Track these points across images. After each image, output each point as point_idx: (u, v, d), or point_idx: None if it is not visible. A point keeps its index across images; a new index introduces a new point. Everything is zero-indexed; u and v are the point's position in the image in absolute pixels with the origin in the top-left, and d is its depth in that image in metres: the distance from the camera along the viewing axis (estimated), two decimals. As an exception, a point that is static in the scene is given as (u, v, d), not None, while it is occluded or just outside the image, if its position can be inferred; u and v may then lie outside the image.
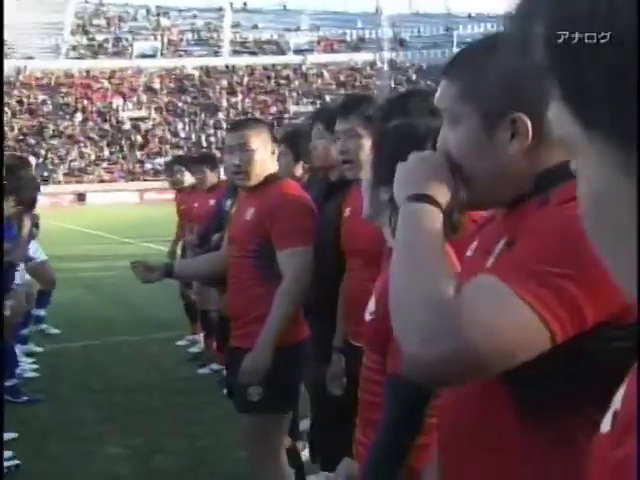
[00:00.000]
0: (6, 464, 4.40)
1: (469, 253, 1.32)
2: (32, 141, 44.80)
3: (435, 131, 1.31)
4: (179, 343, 7.50)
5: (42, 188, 6.84)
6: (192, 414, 5.32)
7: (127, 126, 48.52)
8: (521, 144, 1.17)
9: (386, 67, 54.37)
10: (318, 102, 49.63)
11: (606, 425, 0.79)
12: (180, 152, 32.66)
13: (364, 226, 2.71)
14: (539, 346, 1.03)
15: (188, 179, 7.01)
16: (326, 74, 53.71)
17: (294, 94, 51.89)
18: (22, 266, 5.56)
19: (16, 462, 4.44)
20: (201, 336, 7.14)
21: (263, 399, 2.98)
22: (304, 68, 54.11)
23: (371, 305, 1.80)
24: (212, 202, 6.09)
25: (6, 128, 45.88)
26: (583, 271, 1.01)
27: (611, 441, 0.78)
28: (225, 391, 4.40)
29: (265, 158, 3.12)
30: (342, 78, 53.37)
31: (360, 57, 54.95)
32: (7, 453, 4.59)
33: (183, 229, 7.33)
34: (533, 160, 1.17)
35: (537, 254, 1.06)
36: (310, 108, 49.88)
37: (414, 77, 51.61)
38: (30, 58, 53.10)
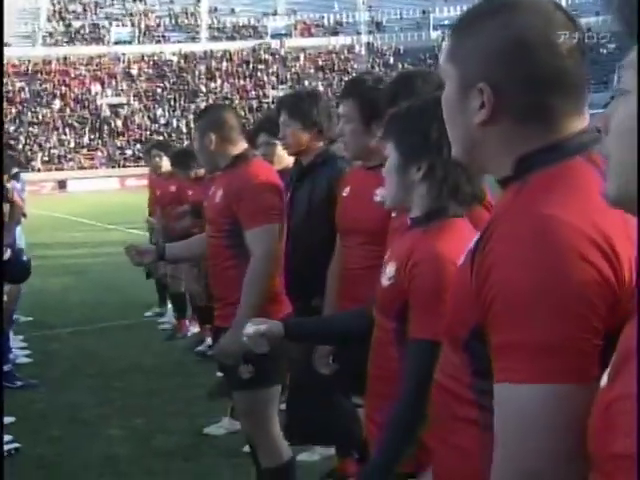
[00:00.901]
0: (6, 447, 4.41)
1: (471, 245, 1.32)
2: (11, 128, 44.24)
3: None
4: (162, 327, 7.66)
5: (21, 176, 6.82)
6: (190, 393, 5.35)
7: (106, 113, 48.08)
8: (486, 116, 1.15)
9: (364, 50, 54.22)
10: (297, 86, 49.44)
11: (604, 380, 0.86)
12: (160, 138, 32.44)
13: (364, 205, 2.76)
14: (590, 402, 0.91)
15: (166, 164, 7.01)
16: (304, 58, 53.48)
17: (273, 78, 51.63)
18: (9, 251, 5.52)
19: (16, 445, 4.45)
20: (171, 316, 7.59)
21: (254, 376, 3.03)
22: (282, 52, 53.82)
23: (390, 270, 1.79)
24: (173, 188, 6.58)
25: (-16, 116, 45.21)
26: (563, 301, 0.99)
27: (606, 389, 0.84)
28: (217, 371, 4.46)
29: (211, 142, 3.14)
30: (320, 62, 53.16)
31: (338, 41, 54.73)
32: (6, 437, 4.60)
33: (154, 214, 7.32)
34: (509, 141, 1.15)
35: (515, 302, 1.01)
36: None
37: (392, 60, 51.54)
38: (6, 45, 52.29)
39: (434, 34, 52.94)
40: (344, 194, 2.96)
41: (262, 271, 2.98)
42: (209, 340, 6.66)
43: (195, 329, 7.18)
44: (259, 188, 3.05)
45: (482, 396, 1.13)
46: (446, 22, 52.59)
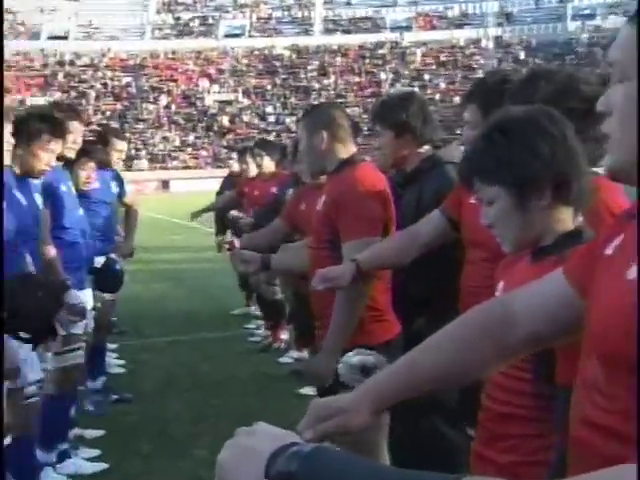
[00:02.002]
0: (94, 467, 4.53)
1: (609, 251, 1.21)
2: (116, 125, 46.25)
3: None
4: (252, 339, 7.83)
5: (125, 175, 7.07)
6: (290, 416, 5.33)
7: (213, 110, 49.45)
8: None
9: (491, 45, 53.37)
10: (416, 84, 49.25)
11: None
12: (270, 137, 33.02)
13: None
14: None
15: (267, 164, 7.15)
16: (425, 53, 53.20)
17: (390, 75, 51.63)
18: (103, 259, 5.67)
19: (104, 466, 4.56)
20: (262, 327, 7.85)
21: None
22: (401, 47, 53.74)
23: None
24: (274, 189, 6.60)
25: (90, 112, 47.51)
26: None
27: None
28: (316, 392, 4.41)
29: (322, 140, 3.08)
30: (442, 57, 52.73)
31: (463, 34, 54.14)
32: (94, 451, 4.75)
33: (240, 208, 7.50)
34: None
35: None
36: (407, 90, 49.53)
37: (522, 55, 50.48)
38: (115, 39, 54.78)
39: (572, 25, 51.46)
40: (472, 201, 2.85)
41: (358, 289, 2.91)
42: (294, 353, 6.76)
43: (285, 336, 7.30)
44: (362, 196, 2.99)
45: None
46: (587, 12, 51.09)
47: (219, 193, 9.00)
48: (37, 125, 3.85)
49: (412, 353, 1.63)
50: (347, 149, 3.14)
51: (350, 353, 2.01)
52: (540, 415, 1.68)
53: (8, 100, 45.30)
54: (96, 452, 4.74)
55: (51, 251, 4.14)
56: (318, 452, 0.94)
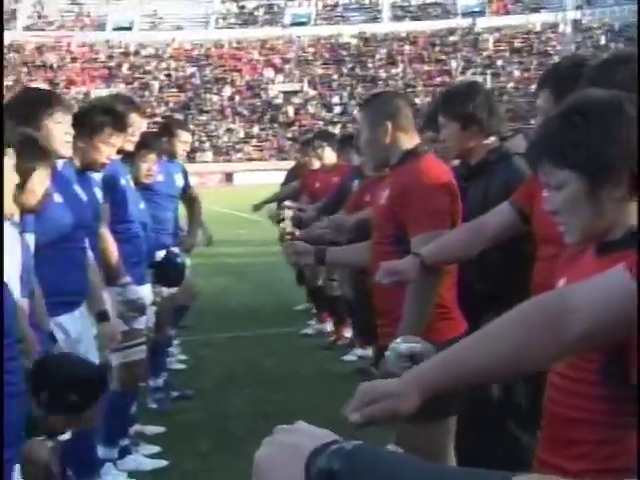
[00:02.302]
0: (153, 463, 4.62)
1: None
2: (180, 117, 46.93)
3: None
4: (304, 331, 7.94)
5: (189, 167, 7.16)
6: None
7: (278, 100, 49.71)
8: None
9: (569, 29, 52.26)
10: (489, 72, 48.63)
11: None
12: (335, 129, 33.06)
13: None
14: None
15: (329, 155, 7.18)
16: (498, 39, 52.41)
17: (462, 63, 51.05)
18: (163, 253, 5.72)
19: (164, 463, 4.65)
20: (328, 325, 7.86)
21: (426, 406, 2.91)
22: (473, 33, 53.07)
23: None
24: (335, 181, 6.62)
25: (154, 103, 48.30)
26: None
27: None
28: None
29: (386, 132, 3.05)
30: (517, 43, 51.87)
31: (539, 18, 53.14)
32: (154, 448, 4.84)
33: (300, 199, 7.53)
34: None
35: None
36: (479, 79, 48.93)
37: (603, 40, 49.29)
38: (179, 29, 55.53)
39: (657, 8, 50.03)
40: (546, 193, 2.80)
41: (427, 284, 2.89)
42: (358, 351, 6.78)
43: (349, 334, 7.32)
44: (428, 188, 2.96)
45: None
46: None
47: (284, 184, 9.05)
48: (100, 118, 3.93)
49: (465, 343, 1.62)
50: (411, 140, 3.11)
51: (397, 340, 2.00)
52: (610, 420, 1.63)
53: (73, 92, 46.34)
54: (156, 449, 4.83)
55: (111, 246, 4.22)
56: (361, 450, 0.93)
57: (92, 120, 3.89)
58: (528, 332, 1.48)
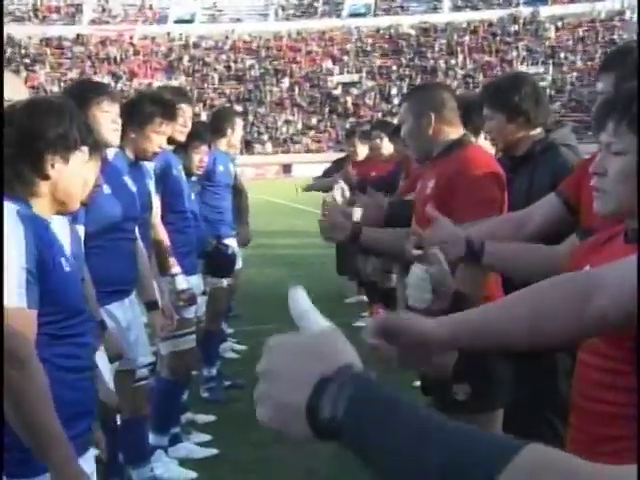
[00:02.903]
0: (203, 452, 4.67)
1: None
2: (239, 108, 47.28)
3: None
4: (357, 323, 7.81)
5: (247, 158, 7.21)
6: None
7: (336, 92, 49.66)
8: None
9: (636, 16, 51.03)
10: (551, 62, 47.79)
11: None
12: (394, 120, 32.87)
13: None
14: None
15: (386, 146, 7.13)
16: (561, 28, 51.44)
17: (523, 53, 50.27)
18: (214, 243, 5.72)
19: (214, 451, 4.70)
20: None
21: (471, 397, 2.87)
22: (535, 21, 52.18)
23: None
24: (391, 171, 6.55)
25: (213, 95, 48.72)
26: None
27: None
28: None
29: (430, 123, 3.02)
30: (581, 32, 50.85)
31: (604, 6, 51.99)
32: (205, 436, 4.88)
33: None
34: None
35: None
36: (541, 69, 48.13)
37: (670, 29, 48.04)
38: (239, 21, 55.86)
39: None
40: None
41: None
42: None
43: None
44: (476, 176, 2.92)
45: None
46: None
47: (325, 175, 9.03)
48: (149, 108, 3.96)
49: (498, 302, 1.60)
50: (456, 131, 3.08)
51: (413, 267, 2.02)
52: None
53: (136, 84, 46.96)
54: (207, 437, 4.87)
55: (163, 236, 4.27)
56: (362, 391, 0.88)
57: (142, 110, 3.93)
58: (558, 297, 1.46)
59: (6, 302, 1.93)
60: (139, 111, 3.91)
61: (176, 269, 4.26)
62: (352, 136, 7.82)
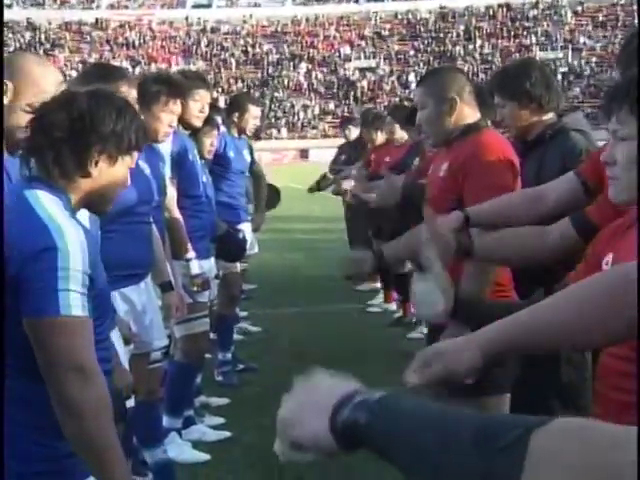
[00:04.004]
0: (217, 434, 4.70)
1: None
2: (256, 93, 47.22)
3: None
4: (371, 309, 7.92)
5: (264, 143, 7.22)
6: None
7: (354, 77, 49.48)
8: None
9: (656, 3, 50.47)
10: (570, 47, 47.35)
11: None
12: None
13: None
14: None
15: (399, 131, 7.12)
16: (580, 13, 50.93)
17: (542, 39, 49.84)
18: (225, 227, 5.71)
19: (227, 434, 4.71)
20: (394, 304, 7.95)
21: (479, 381, 2.86)
22: (554, 7, 51.69)
23: None
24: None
25: (231, 80, 48.67)
26: None
27: None
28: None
29: (451, 108, 2.99)
30: (601, 17, 50.34)
31: (624, -9, 51.41)
32: (217, 419, 4.90)
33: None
34: None
35: None
36: (560, 55, 47.69)
37: (691, 14, 47.47)
38: (256, 6, 55.69)
39: None
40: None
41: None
42: (424, 328, 6.75)
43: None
44: (490, 161, 2.92)
45: None
46: None
47: (335, 163, 9.02)
48: (154, 87, 3.94)
49: (535, 307, 1.54)
50: (474, 114, 3.07)
51: (415, 282, 2.06)
52: None
53: (154, 68, 47.06)
54: (220, 420, 4.89)
55: (178, 220, 4.27)
56: (385, 401, 0.90)
57: (147, 90, 3.89)
58: (599, 305, 1.39)
59: (71, 311, 1.83)
60: (144, 92, 3.88)
61: (190, 254, 4.27)
62: (348, 122, 7.94)
